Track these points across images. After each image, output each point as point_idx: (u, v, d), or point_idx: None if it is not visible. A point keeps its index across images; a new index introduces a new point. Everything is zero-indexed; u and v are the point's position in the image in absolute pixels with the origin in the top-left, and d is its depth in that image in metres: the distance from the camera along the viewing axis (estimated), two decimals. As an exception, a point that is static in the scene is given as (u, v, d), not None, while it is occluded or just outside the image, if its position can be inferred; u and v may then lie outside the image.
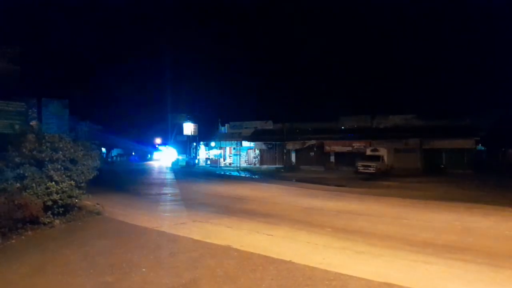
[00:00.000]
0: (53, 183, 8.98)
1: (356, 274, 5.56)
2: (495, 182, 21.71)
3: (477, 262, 6.29)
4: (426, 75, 46.58)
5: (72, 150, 9.67)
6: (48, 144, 9.41)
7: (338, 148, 38.31)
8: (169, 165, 44.45)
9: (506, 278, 5.63)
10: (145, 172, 31.86)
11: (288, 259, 6.25)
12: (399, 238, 8.10)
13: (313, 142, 39.78)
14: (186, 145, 47.02)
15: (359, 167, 29.11)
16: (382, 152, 30.91)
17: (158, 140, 51.35)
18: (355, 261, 6.31)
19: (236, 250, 6.84)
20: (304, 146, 40.55)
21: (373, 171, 28.02)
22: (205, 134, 47.25)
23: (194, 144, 47.67)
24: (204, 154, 48.37)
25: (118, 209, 11.45)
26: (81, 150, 9.97)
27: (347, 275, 5.51)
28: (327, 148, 38.89)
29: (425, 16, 53.37)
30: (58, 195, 9.06)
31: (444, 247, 7.33)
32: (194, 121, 45.49)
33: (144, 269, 5.89)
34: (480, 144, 35.34)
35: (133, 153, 52.10)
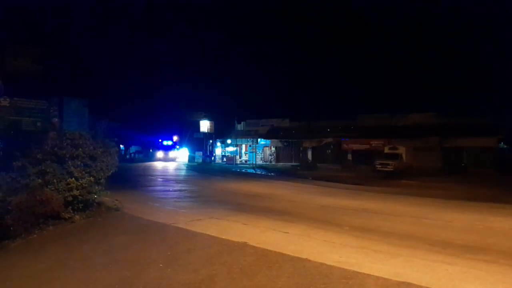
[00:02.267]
0: (73, 179, 9.17)
1: (374, 273, 5.49)
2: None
3: (499, 263, 6.14)
4: (446, 72, 45.57)
5: (91, 147, 9.84)
6: (68, 141, 9.60)
7: (356, 146, 37.88)
8: (186, 162, 44.83)
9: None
10: (162, 168, 32.19)
11: (304, 257, 6.22)
12: (418, 238, 7.96)
13: (330, 140, 39.45)
14: (203, 142, 47.29)
15: (377, 165, 28.72)
16: (401, 150, 30.41)
17: (175, 138, 51.82)
18: (372, 260, 6.23)
19: (253, 247, 6.85)
20: (321, 144, 40.25)
21: (391, 169, 27.60)
22: (221, 132, 47.42)
23: (211, 141, 47.91)
24: (220, 151, 48.58)
25: (136, 206, 11.61)
26: (100, 147, 10.14)
27: (365, 274, 5.45)
28: (344, 146, 38.51)
29: (445, 11, 52.27)
30: (78, 191, 9.24)
31: (464, 247, 7.17)
32: (210, 119, 45.71)
33: (161, 265, 5.96)
34: (502, 143, 34.40)
35: (151, 150, 52.67)
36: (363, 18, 61.58)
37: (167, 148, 49.88)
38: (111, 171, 10.35)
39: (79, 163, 9.47)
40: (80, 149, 9.59)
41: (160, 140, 50.85)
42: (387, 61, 55.60)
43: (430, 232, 8.54)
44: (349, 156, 38.37)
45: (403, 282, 5.14)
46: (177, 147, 51.51)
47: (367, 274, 5.44)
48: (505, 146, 35.05)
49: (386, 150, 31.08)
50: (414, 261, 6.20)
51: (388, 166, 28.06)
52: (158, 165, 37.54)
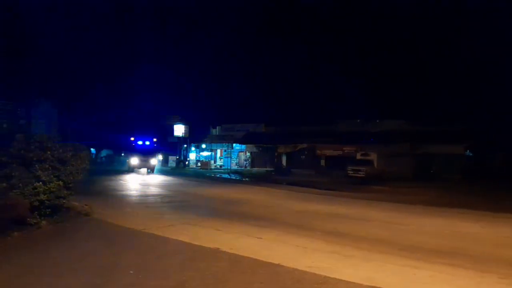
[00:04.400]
0: (41, 183, 8.84)
1: (345, 278, 5.56)
2: (484, 187, 21.95)
3: (465, 267, 6.33)
4: (418, 82, 47.03)
5: (60, 150, 9.53)
6: (36, 144, 9.26)
7: (329, 152, 38.37)
8: (159, 166, 44.16)
9: (493, 283, 5.67)
10: (134, 172, 31.58)
11: (277, 262, 6.23)
12: (389, 242, 8.12)
13: (304, 145, 39.83)
14: (177, 146, 46.76)
15: (349, 171, 29.19)
16: (373, 156, 31.03)
17: (148, 142, 50.96)
18: (344, 265, 6.31)
19: (226, 253, 6.80)
20: (296, 150, 40.57)
21: (363, 175, 28.10)
22: (196, 136, 47.06)
23: (185, 146, 47.43)
24: (194, 156, 48.15)
25: (107, 211, 11.33)
26: (70, 150, 9.84)
27: (336, 279, 5.51)
28: (318, 151, 38.96)
29: (418, 19, 53.89)
30: (46, 196, 8.91)
31: (433, 252, 7.37)
32: (185, 123, 45.30)
33: (132, 271, 5.82)
34: (469, 150, 35.74)
35: (123, 154, 51.49)
36: (340, 24, 62.79)
37: (140, 152, 47.81)
38: (81, 175, 10.06)
39: (47, 166, 9.15)
40: (49, 152, 9.27)
41: (133, 144, 49.42)
42: (360, 69, 56.81)
43: (401, 237, 8.74)
44: (322, 162, 38.84)
45: (374, 287, 5.22)
46: (152, 151, 50.52)
47: (339, 279, 5.50)
48: (471, 154, 36.40)
49: (358, 156, 31.66)
50: (384, 265, 6.32)
51: (360, 172, 28.56)
52: (129, 170, 36.75)
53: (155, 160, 37.57)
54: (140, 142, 46.12)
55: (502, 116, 34.36)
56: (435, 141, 33.38)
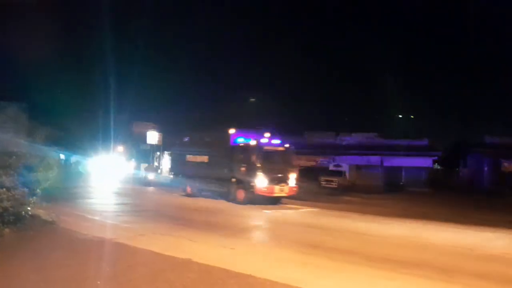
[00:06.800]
0: (4, 189, 8.48)
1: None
2: (449, 199, 22.69)
3: (432, 278, 6.49)
4: (390, 96, 48.37)
5: (27, 156, 9.21)
6: (1, 149, 8.91)
7: (302, 162, 38.80)
8: (131, 173, 43.20)
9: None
10: (106, 179, 30.82)
11: (248, 273, 6.18)
12: (359, 253, 8.24)
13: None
14: (150, 154, 45.97)
15: (322, 182, 29.59)
16: (344, 168, 31.64)
17: (120, 148, 49.81)
18: (315, 275, 6.35)
19: (197, 263, 6.70)
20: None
21: (335, 186, 28.55)
22: (170, 144, 46.43)
23: (158, 153, 46.71)
24: (168, 164, 47.43)
25: (74, 219, 10.97)
26: (38, 156, 9.52)
27: (308, 290, 5.54)
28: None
29: (392, 36, 55.73)
30: (10, 202, 8.53)
31: (401, 263, 7.52)
32: (159, 130, 44.66)
33: (99, 282, 5.64)
34: (437, 164, 37.03)
35: (92, 160, 49.97)
36: (312, 35, 63.95)
37: (111, 159, 46.45)
38: (49, 182, 9.73)
39: (12, 172, 8.79)
40: (14, 157, 8.93)
41: (104, 151, 48.11)
42: (333, 81, 57.95)
43: (371, 248, 8.89)
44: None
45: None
46: (123, 158, 49.31)
47: (310, 290, 5.52)
48: (439, 167, 37.68)
49: (331, 167, 32.21)
50: (355, 276, 6.40)
51: (332, 183, 29.03)
52: (100, 176, 35.85)
53: (120, 163, 39.80)
54: (113, 152, 45.26)
55: (467, 134, 35.93)
56: (404, 154, 34.42)
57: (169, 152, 23.99)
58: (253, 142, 16.89)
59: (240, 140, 17.49)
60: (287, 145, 18.00)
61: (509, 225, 12.78)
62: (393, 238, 10.44)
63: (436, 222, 13.50)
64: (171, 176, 22.85)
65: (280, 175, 16.73)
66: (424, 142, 35.82)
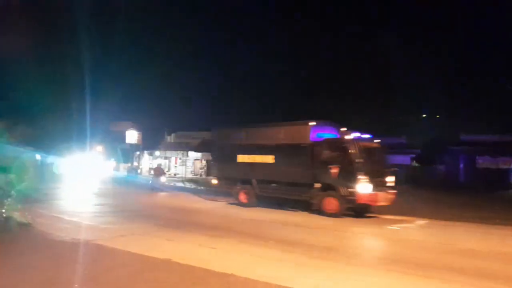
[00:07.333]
0: (-23, 191, 8.25)
1: (297, 286, 5.63)
2: (427, 196, 23.17)
3: (408, 273, 6.62)
4: (365, 93, 49.00)
5: (0, 157, 8.96)
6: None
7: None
8: (110, 173, 42.58)
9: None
10: (83, 180, 30.24)
11: (230, 272, 6.18)
12: (338, 250, 8.34)
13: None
14: (129, 154, 45.38)
15: None
16: None
17: (99, 148, 48.91)
18: (296, 273, 6.39)
19: (177, 263, 6.66)
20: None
21: None
22: (150, 143, 45.92)
23: (138, 153, 46.14)
24: (148, 163, 46.94)
25: (51, 221, 10.74)
26: (12, 157, 9.27)
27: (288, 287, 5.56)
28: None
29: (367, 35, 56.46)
30: (-17, 205, 8.31)
31: (379, 259, 7.68)
32: (139, 129, 44.12)
33: (76, 285, 5.54)
34: (415, 161, 37.82)
35: (68, 160, 48.85)
36: (276, 38, 64.17)
37: (91, 159, 45.43)
38: (24, 183, 9.49)
39: (-15, 174, 8.55)
40: (-13, 158, 8.68)
41: (82, 151, 47.00)
42: (309, 81, 58.23)
43: (349, 245, 9.05)
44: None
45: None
46: (102, 158, 48.44)
47: (290, 288, 5.55)
48: (417, 164, 38.47)
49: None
50: (334, 273, 6.47)
51: None
52: (78, 176, 35.16)
53: (98, 163, 38.24)
54: (92, 151, 44.41)
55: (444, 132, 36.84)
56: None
57: (215, 152, 18.77)
58: (348, 137, 13.91)
59: (324, 135, 14.40)
60: (379, 141, 14.86)
61: (479, 220, 13.12)
62: (371, 235, 10.65)
63: (413, 218, 13.72)
64: (214, 181, 18.16)
65: (380, 178, 13.44)
66: (402, 139, 36.60)
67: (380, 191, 13.10)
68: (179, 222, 11.59)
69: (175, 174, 43.71)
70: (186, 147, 43.32)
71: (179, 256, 7.06)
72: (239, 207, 15.88)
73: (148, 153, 46.98)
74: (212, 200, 18.43)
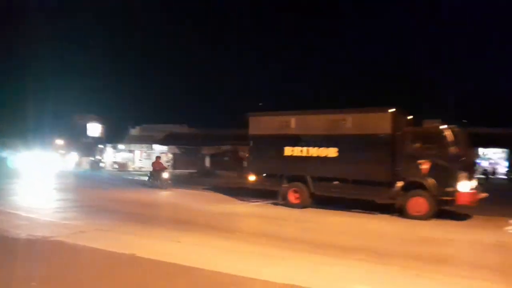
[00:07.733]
0: None
1: (263, 277, 5.65)
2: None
3: (371, 261, 6.83)
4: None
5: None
6: None
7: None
8: (72, 168, 41.12)
9: (396, 273, 6.22)
10: (42, 174, 29.02)
11: (196, 265, 6.12)
12: (304, 241, 8.48)
13: (228, 147, 40.04)
14: (91, 147, 43.97)
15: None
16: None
17: (59, 142, 47.04)
18: (262, 264, 6.43)
19: (143, 258, 6.51)
20: (220, 151, 40.60)
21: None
22: (113, 136, 44.71)
23: (101, 146, 44.81)
24: (111, 157, 45.69)
25: (6, 217, 10.23)
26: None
27: (254, 279, 5.57)
28: (240, 154, 39.43)
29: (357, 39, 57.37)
30: None
31: (343, 249, 7.85)
32: (102, 122, 42.84)
33: (34, 283, 5.30)
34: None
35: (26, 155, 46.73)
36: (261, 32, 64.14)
37: (51, 153, 43.53)
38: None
39: None
40: None
41: (42, 145, 44.85)
42: (286, 73, 58.70)
43: (314, 235, 9.20)
44: (244, 164, 39.36)
45: (290, 285, 5.38)
46: (62, 151, 46.63)
47: (256, 279, 5.57)
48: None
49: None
50: (300, 263, 6.57)
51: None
52: (38, 170, 33.72)
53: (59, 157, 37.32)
54: (53, 145, 42.63)
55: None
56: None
57: (253, 144, 15.36)
58: (442, 126, 11.64)
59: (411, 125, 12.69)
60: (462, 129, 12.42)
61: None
62: (336, 225, 10.86)
63: (380, 212, 14.12)
64: (251, 178, 15.10)
65: (473, 174, 11.94)
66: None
67: (476, 188, 11.52)
68: (144, 216, 11.33)
69: (140, 168, 42.85)
70: (151, 140, 42.50)
71: (145, 251, 6.82)
72: (290, 209, 13.48)
73: (111, 146, 45.71)
74: (243, 200, 15.90)
